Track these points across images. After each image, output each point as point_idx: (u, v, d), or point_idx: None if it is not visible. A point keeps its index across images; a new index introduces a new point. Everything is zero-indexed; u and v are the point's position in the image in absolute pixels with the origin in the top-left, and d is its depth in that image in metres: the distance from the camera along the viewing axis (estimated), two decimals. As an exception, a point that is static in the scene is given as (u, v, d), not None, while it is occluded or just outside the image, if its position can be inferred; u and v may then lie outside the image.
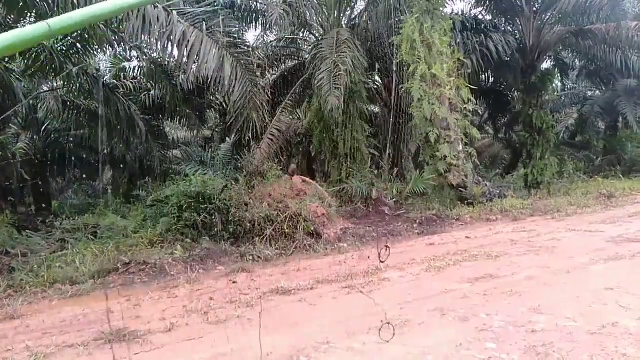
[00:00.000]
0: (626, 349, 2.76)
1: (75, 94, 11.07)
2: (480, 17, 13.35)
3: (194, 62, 7.15)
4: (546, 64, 15.54)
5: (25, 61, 8.92)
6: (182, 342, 3.39)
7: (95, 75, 10.45)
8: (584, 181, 13.54)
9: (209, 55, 7.02)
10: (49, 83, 12.14)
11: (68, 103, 11.48)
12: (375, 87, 13.07)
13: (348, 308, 3.95)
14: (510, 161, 18.58)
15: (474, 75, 11.47)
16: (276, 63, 13.29)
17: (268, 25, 11.81)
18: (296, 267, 5.67)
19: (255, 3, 11.73)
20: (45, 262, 5.82)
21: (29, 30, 0.99)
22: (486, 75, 14.57)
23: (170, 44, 7.06)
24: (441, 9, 10.03)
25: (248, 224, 6.92)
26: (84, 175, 14.92)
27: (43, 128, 12.36)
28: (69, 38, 8.83)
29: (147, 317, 4.03)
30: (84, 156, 13.47)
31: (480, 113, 19.15)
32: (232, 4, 10.73)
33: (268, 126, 10.30)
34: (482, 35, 11.81)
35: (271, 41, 13.60)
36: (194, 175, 7.91)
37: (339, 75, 9.05)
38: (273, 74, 13.18)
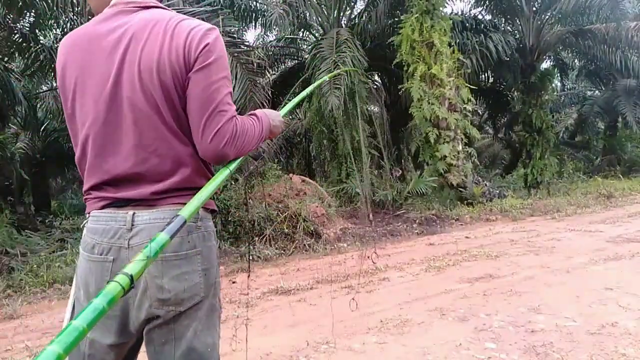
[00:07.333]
0: (625, 349, 2.77)
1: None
2: (479, 17, 13.35)
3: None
4: (546, 64, 15.58)
5: (25, 61, 8.91)
6: (182, 342, 3.38)
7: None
8: (584, 181, 13.55)
9: (209, 54, 6.99)
10: (49, 83, 12.12)
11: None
12: (375, 87, 13.07)
13: (347, 308, 3.95)
14: (510, 161, 18.60)
15: (473, 75, 11.46)
16: (276, 63, 13.29)
17: (268, 25, 11.81)
18: (296, 267, 5.68)
19: (255, 3, 11.72)
20: (44, 262, 5.81)
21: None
22: (486, 75, 14.56)
23: (169, 43, 7.04)
24: (441, 8, 10.03)
25: (247, 224, 6.93)
26: (84, 175, 14.84)
27: (42, 128, 12.35)
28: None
29: (146, 317, 4.02)
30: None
31: (480, 113, 19.17)
32: (231, 3, 10.72)
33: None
34: (482, 35, 11.81)
35: (271, 41, 13.61)
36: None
37: (339, 75, 9.04)
38: (273, 74, 13.19)
